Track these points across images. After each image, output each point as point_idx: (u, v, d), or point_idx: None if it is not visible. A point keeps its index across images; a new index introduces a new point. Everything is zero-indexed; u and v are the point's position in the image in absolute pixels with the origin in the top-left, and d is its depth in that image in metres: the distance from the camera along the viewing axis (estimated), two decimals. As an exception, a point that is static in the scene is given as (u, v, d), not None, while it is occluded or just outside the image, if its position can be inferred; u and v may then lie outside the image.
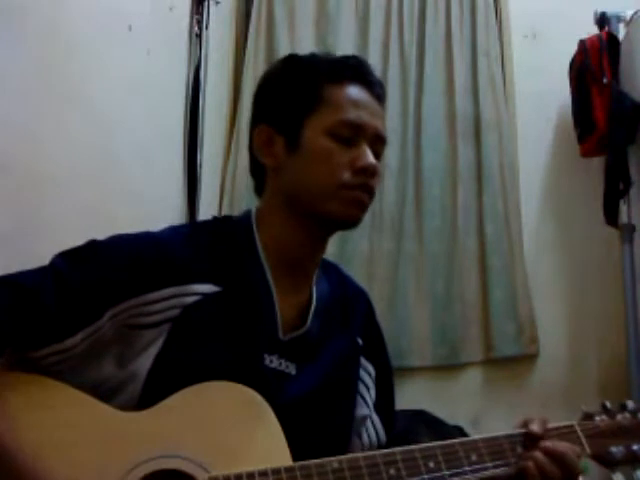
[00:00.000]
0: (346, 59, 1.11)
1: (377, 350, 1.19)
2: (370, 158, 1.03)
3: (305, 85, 1.07)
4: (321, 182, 1.02)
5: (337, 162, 1.02)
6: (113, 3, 1.91)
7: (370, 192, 1.05)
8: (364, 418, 1.13)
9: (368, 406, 1.14)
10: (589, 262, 2.54)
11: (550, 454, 0.89)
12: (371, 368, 1.15)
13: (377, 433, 1.13)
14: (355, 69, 1.08)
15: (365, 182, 1.03)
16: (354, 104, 1.05)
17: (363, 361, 1.15)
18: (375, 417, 1.14)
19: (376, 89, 1.09)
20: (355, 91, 1.06)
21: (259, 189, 1.13)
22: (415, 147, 2.66)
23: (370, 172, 1.03)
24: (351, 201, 1.03)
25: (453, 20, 2.73)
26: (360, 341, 1.15)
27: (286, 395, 0.99)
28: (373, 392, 1.15)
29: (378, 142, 1.07)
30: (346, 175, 1.02)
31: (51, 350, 0.90)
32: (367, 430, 1.13)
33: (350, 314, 1.15)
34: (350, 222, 1.05)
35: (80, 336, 0.91)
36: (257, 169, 1.12)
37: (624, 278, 2.35)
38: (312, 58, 1.12)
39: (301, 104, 1.05)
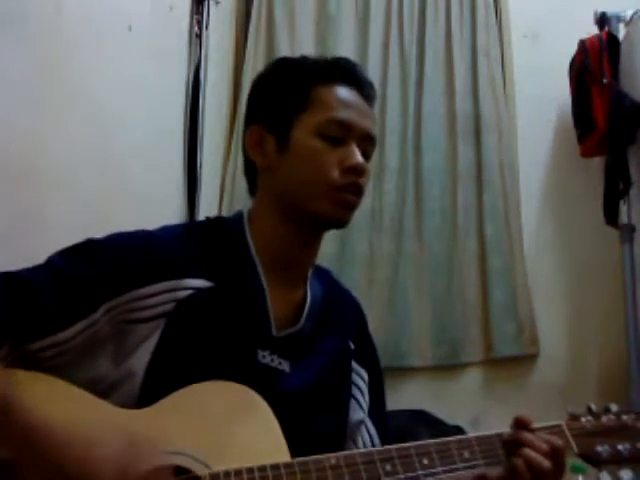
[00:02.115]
0: (336, 60, 1.12)
1: (370, 358, 1.19)
2: (358, 157, 1.04)
3: (295, 85, 1.08)
4: (310, 181, 1.03)
5: (326, 161, 1.03)
6: (113, 3, 1.91)
7: (359, 192, 1.05)
8: (359, 423, 1.13)
9: (363, 410, 1.14)
10: (589, 262, 2.54)
11: (536, 448, 0.91)
12: (364, 373, 1.16)
13: (371, 439, 1.14)
14: (344, 70, 1.10)
15: (354, 181, 1.04)
16: (343, 104, 1.06)
17: (356, 365, 1.16)
18: (369, 423, 1.15)
19: (365, 89, 1.10)
20: (344, 91, 1.07)
21: (252, 190, 1.15)
22: (415, 147, 2.66)
23: (358, 171, 1.04)
24: (339, 202, 1.04)
25: (453, 20, 2.73)
26: (352, 345, 1.16)
27: (280, 391, 1.00)
28: (367, 397, 1.16)
29: (367, 142, 1.08)
30: (335, 174, 1.03)
31: (47, 343, 0.90)
32: (362, 437, 1.13)
33: (342, 318, 1.16)
34: (338, 222, 1.07)
35: (75, 329, 0.92)
36: (250, 170, 1.14)
37: (624, 278, 2.35)
38: (302, 60, 1.13)
39: (291, 104, 1.07)
